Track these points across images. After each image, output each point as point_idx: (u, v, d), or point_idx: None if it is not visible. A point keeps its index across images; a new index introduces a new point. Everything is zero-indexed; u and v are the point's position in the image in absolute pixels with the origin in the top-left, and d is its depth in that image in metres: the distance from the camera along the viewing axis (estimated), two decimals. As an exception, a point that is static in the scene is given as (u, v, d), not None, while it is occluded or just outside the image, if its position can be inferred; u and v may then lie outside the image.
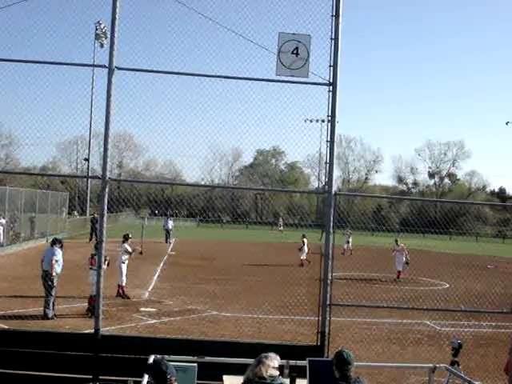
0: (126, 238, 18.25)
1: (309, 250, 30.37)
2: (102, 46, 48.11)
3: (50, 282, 14.71)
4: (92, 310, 16.61)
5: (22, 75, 9.32)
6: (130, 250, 18.12)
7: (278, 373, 6.07)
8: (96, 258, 17.31)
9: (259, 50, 8.96)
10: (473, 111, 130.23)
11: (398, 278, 26.15)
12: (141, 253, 19.28)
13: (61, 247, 15.42)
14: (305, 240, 30.54)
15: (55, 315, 14.75)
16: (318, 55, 9.14)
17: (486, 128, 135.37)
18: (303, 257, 30.17)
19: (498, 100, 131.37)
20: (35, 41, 9.23)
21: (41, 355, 8.86)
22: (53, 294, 14.79)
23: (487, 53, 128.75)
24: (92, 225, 40.55)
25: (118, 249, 18.15)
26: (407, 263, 26.70)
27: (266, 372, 5.91)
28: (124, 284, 17.71)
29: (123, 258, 17.88)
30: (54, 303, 14.87)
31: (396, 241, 28.31)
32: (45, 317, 14.48)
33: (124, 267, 17.75)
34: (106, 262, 17.12)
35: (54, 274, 14.77)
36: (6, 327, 12.66)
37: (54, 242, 15.69)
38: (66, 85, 9.63)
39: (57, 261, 14.93)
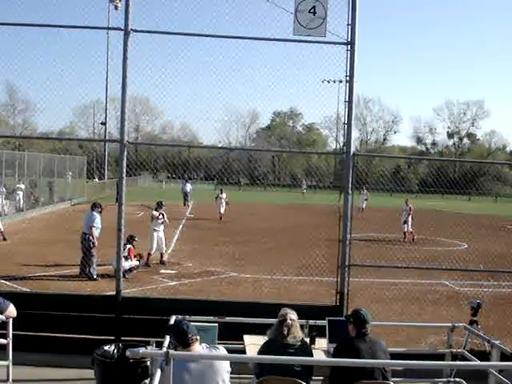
0: (159, 206, 18.06)
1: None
2: (116, 8, 47.46)
3: (87, 245, 15.16)
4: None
5: (37, 40, 9.27)
6: (157, 215, 17.84)
7: (300, 332, 6.21)
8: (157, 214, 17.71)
9: (276, 10, 8.82)
10: (492, 70, 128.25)
11: (413, 239, 26.20)
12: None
13: (100, 212, 15.72)
14: (223, 195, 33.48)
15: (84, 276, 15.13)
16: (336, 14, 8.98)
17: (505, 87, 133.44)
18: (222, 211, 33.08)
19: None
20: (50, 4, 9.16)
21: (63, 317, 9.00)
22: (94, 253, 15.23)
23: (507, 12, 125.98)
24: (117, 188, 40.91)
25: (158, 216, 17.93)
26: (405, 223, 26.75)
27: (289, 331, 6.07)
28: (152, 252, 17.68)
29: (154, 225, 17.80)
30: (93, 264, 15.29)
31: (406, 201, 28.11)
32: (91, 277, 14.96)
33: (154, 235, 17.65)
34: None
35: (94, 239, 15.22)
36: (28, 290, 12.88)
37: (94, 206, 15.95)
38: (82, 48, 9.58)
39: (95, 226, 15.30)
